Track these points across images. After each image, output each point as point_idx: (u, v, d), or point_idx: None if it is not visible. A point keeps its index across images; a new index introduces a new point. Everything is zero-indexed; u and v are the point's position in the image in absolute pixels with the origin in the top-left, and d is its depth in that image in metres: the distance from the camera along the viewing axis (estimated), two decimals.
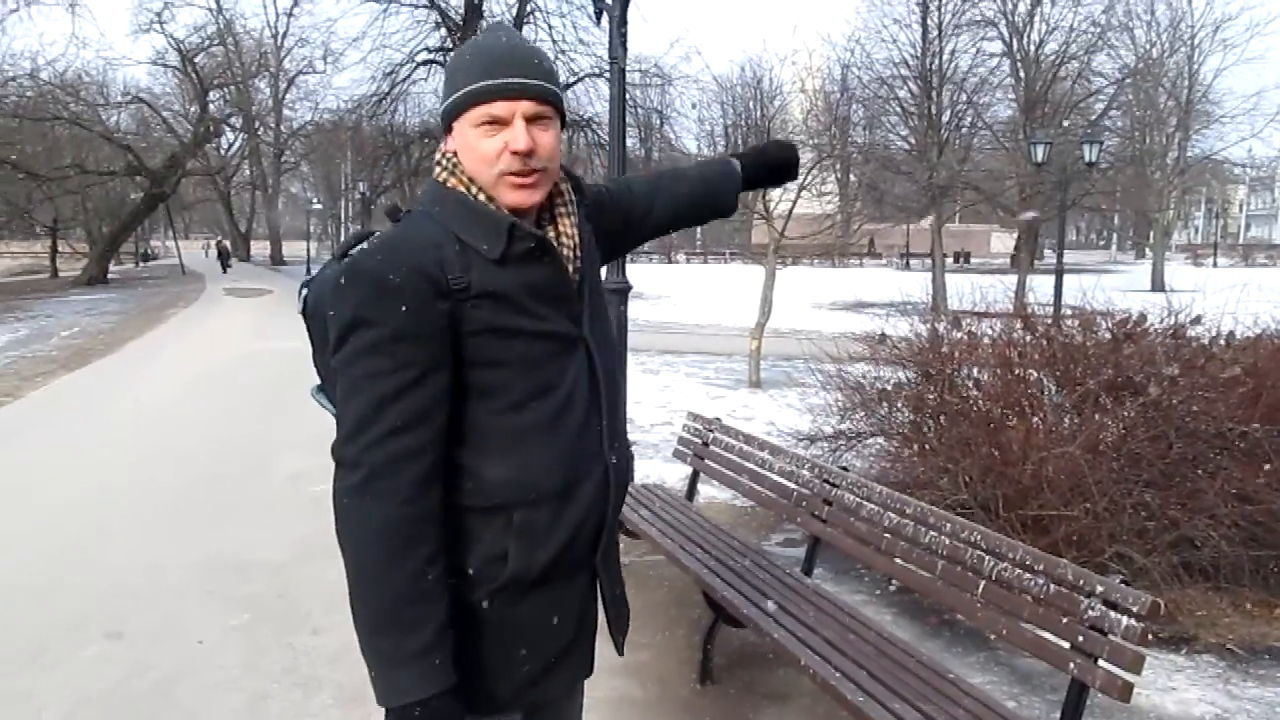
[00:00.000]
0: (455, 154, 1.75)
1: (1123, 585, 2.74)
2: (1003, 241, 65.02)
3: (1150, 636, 2.64)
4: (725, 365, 14.72)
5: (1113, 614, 2.70)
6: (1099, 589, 2.77)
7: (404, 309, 1.60)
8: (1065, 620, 2.85)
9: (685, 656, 4.30)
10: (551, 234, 1.79)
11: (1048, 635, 2.96)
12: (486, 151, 1.69)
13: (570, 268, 1.79)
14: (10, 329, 21.37)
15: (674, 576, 5.01)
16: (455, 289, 1.63)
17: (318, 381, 1.95)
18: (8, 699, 3.89)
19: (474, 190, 1.72)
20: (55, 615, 4.74)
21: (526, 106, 1.67)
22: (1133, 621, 2.64)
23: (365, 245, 1.71)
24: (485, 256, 1.68)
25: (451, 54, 1.74)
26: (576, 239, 1.82)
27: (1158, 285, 33.80)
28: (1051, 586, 2.94)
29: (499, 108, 1.67)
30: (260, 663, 4.22)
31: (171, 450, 8.59)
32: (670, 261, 58.91)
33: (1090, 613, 2.76)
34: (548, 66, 1.74)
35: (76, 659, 4.24)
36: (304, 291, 1.91)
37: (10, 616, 4.74)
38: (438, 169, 1.78)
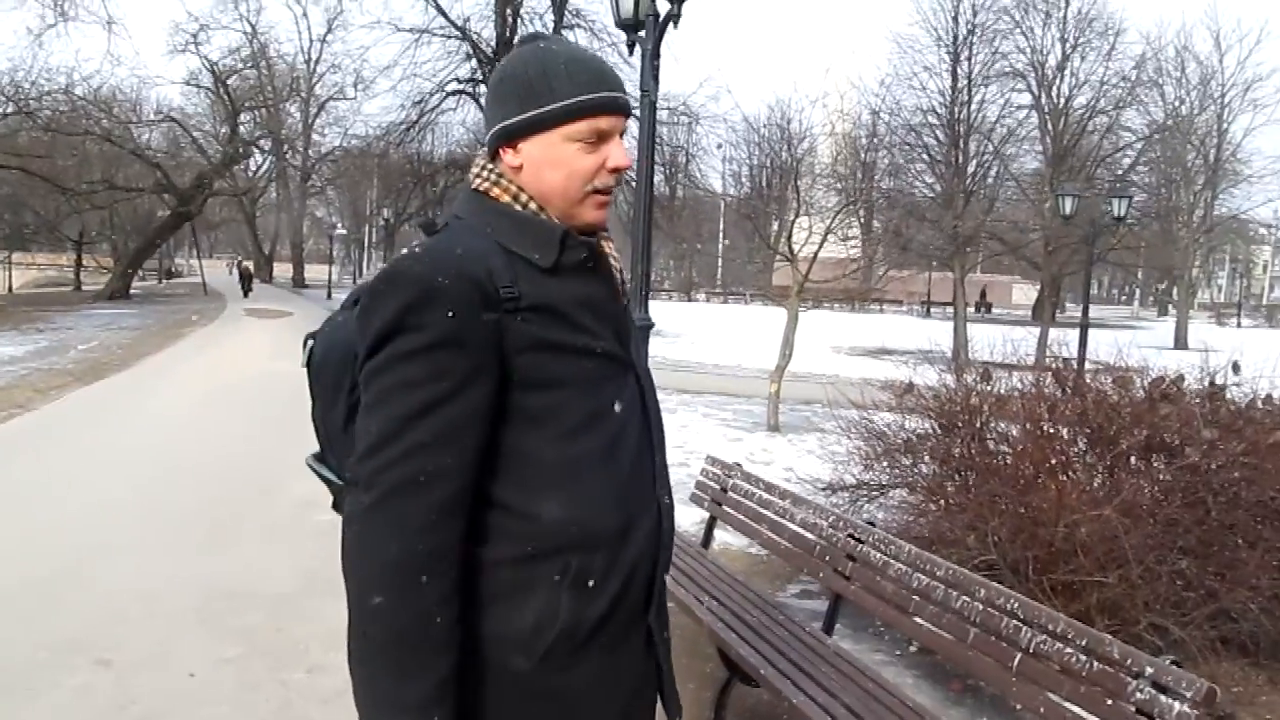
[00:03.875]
0: (515, 169, 1.60)
1: (1174, 667, 2.54)
2: (1024, 293, 64.82)
3: None
4: (743, 407, 14.54)
5: (1163, 698, 2.50)
6: (1148, 669, 2.57)
7: (450, 314, 1.45)
8: (1110, 702, 2.66)
9: (696, 714, 4.10)
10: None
11: (1091, 717, 2.76)
12: (584, 167, 1.57)
13: (620, 288, 1.68)
14: (31, 340, 21.40)
15: (684, 625, 4.80)
16: (504, 298, 1.48)
17: (316, 449, 1.78)
18: None
19: (523, 201, 1.59)
20: (46, 638, 4.57)
21: (623, 123, 1.60)
22: (1186, 708, 2.44)
23: (405, 252, 1.55)
24: (536, 265, 1.54)
25: (512, 64, 1.62)
26: (619, 262, 1.70)
27: (1181, 343, 33.57)
28: (1095, 664, 2.74)
29: (606, 122, 1.58)
30: (250, 700, 4.04)
31: (179, 469, 8.46)
32: (690, 300, 58.93)
33: (1138, 695, 2.56)
34: None
35: (62, 688, 4.07)
36: (310, 343, 1.74)
37: (1, 637, 4.58)
38: (478, 180, 1.64)
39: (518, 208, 1.59)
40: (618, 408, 1.59)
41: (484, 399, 1.48)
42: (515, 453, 1.52)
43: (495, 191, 1.61)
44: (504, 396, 1.50)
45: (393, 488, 1.43)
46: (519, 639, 1.51)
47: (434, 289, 1.46)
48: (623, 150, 1.59)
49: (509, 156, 1.60)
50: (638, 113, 7.43)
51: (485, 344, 1.47)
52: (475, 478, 1.48)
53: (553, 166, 1.57)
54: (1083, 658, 2.79)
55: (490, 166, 1.63)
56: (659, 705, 1.77)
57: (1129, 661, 2.65)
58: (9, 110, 33.25)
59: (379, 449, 1.44)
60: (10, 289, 48.54)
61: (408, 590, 1.42)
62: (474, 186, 1.64)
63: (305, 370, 1.74)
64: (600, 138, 1.57)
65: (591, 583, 1.53)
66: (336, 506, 1.63)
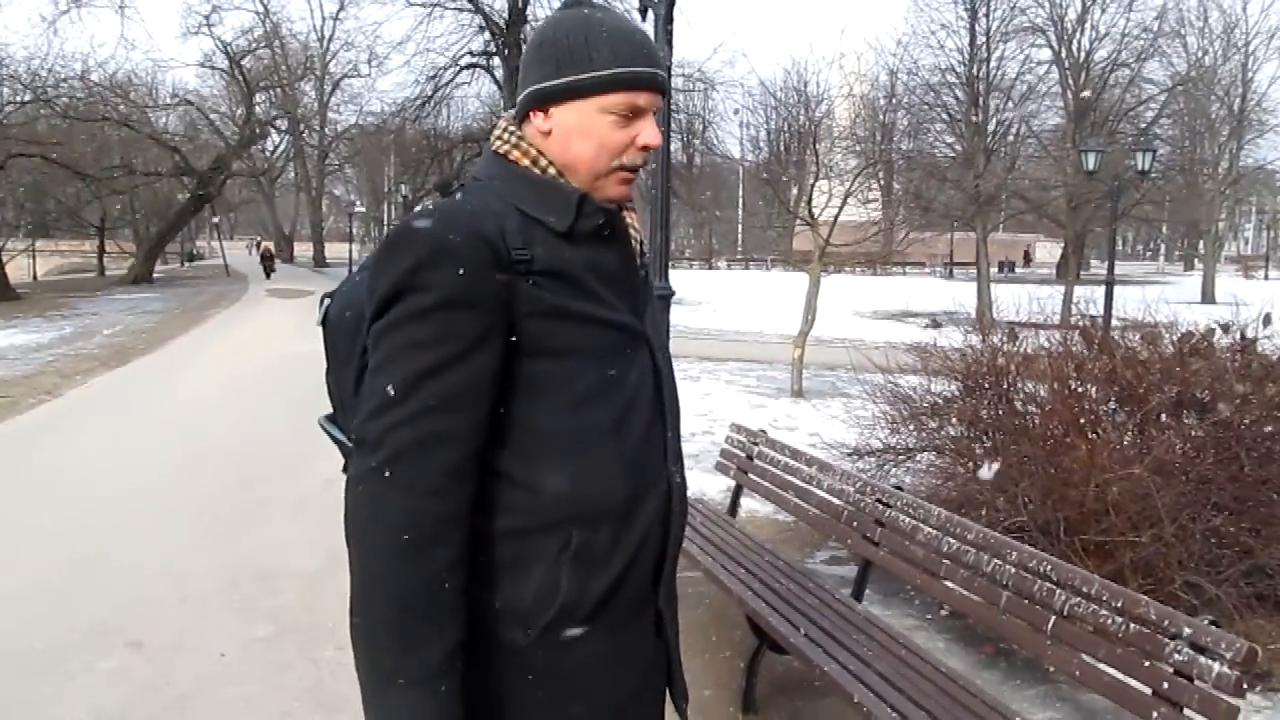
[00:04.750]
0: (544, 134, 1.55)
1: (1213, 627, 2.49)
2: (1048, 251, 64.24)
3: (1245, 686, 2.38)
4: (767, 373, 14.47)
5: (1202, 659, 2.45)
6: (1186, 630, 2.52)
7: (460, 272, 1.40)
8: (1148, 664, 2.61)
9: (726, 682, 4.09)
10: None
11: (1127, 679, 2.71)
12: (615, 141, 1.53)
13: (637, 259, 1.63)
14: (56, 326, 21.60)
15: (713, 595, 4.78)
16: (517, 260, 1.44)
17: (330, 409, 1.73)
18: (26, 708, 3.76)
19: (543, 165, 1.55)
20: (78, 621, 4.61)
21: (659, 101, 1.56)
22: (1225, 669, 2.39)
23: (417, 210, 1.51)
24: (552, 229, 1.50)
25: (553, 27, 1.56)
26: (639, 234, 1.65)
27: (1208, 297, 33.17)
28: (1131, 625, 2.69)
29: (644, 99, 1.53)
30: (282, 679, 4.05)
31: (205, 451, 8.50)
32: (711, 267, 58.63)
33: (1177, 656, 2.51)
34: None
35: (95, 670, 4.10)
36: (326, 302, 1.70)
37: (34, 621, 4.63)
38: (498, 142, 1.59)
39: (536, 171, 1.55)
40: (629, 379, 1.55)
41: (493, 362, 1.44)
42: (520, 422, 1.48)
43: (515, 154, 1.57)
44: (511, 362, 1.46)
45: (400, 450, 1.39)
46: (520, 613, 1.48)
47: (445, 246, 1.41)
48: (655, 129, 1.55)
49: (539, 120, 1.56)
50: None
51: (496, 305, 1.43)
52: (484, 443, 1.45)
53: (584, 136, 1.53)
54: (1118, 619, 2.74)
55: (512, 129, 1.59)
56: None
57: (1166, 623, 2.60)
58: (27, 98, 33.38)
59: (386, 410, 1.40)
60: (35, 276, 48.93)
61: (415, 556, 1.38)
62: (494, 149, 1.60)
63: (320, 329, 1.70)
64: (635, 113, 1.53)
65: (594, 558, 1.49)
66: (346, 469, 1.58)
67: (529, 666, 1.49)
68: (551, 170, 1.55)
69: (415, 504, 1.38)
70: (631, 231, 1.62)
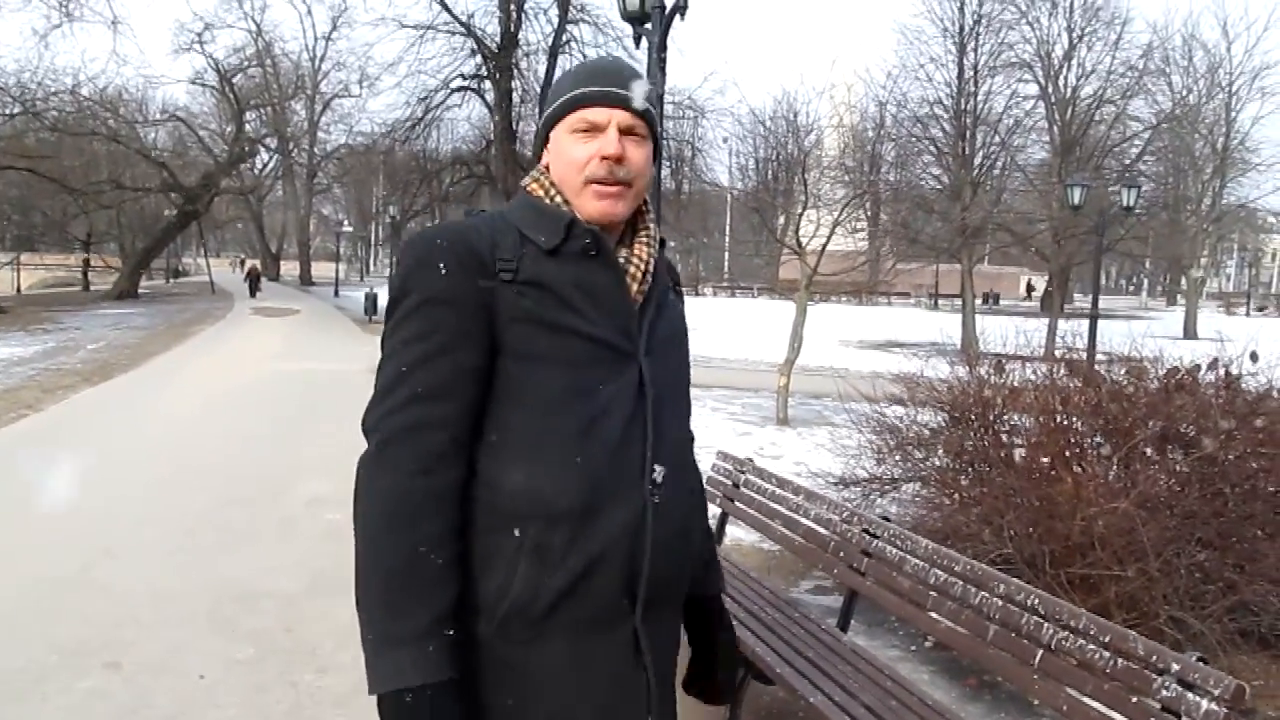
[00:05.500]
0: (547, 167, 1.74)
1: (1201, 664, 2.49)
2: (1032, 283, 64.61)
3: None
4: (752, 401, 14.48)
5: (1190, 695, 2.45)
6: (1174, 666, 2.52)
7: (443, 273, 1.58)
8: (1135, 700, 2.61)
9: (710, 711, 4.05)
10: (624, 252, 1.72)
11: (1114, 715, 2.70)
12: (577, 157, 1.67)
13: (633, 285, 1.70)
14: (39, 341, 21.43)
15: None
16: (501, 270, 1.60)
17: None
18: None
19: (552, 195, 1.71)
20: (56, 641, 4.55)
21: (622, 117, 1.67)
22: (1213, 705, 2.39)
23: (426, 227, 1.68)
24: (541, 248, 1.64)
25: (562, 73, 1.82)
26: (648, 266, 1.74)
27: (1190, 333, 33.39)
28: (1119, 660, 2.69)
29: (596, 113, 1.67)
30: (262, 702, 4.01)
31: (187, 469, 8.44)
32: (697, 294, 58.77)
33: (1164, 692, 2.51)
34: (649, 88, 1.74)
35: (73, 691, 4.05)
36: None
37: (11, 640, 4.56)
38: (526, 178, 1.78)
39: (545, 201, 1.70)
40: (603, 392, 1.62)
41: (474, 358, 1.58)
42: (494, 421, 1.60)
43: (532, 186, 1.74)
44: (494, 364, 1.59)
45: (390, 434, 1.55)
46: (483, 604, 1.58)
47: (432, 250, 1.60)
48: (612, 140, 1.66)
49: (545, 155, 1.75)
50: None
51: (476, 306, 1.57)
52: (469, 430, 1.58)
53: (558, 157, 1.70)
54: (1106, 654, 2.74)
55: (539, 167, 1.76)
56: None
57: (1154, 658, 2.60)
58: (16, 111, 33.31)
59: (381, 399, 1.58)
60: (18, 289, 48.63)
61: (400, 530, 1.52)
62: (523, 182, 1.77)
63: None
64: (593, 128, 1.67)
65: (548, 559, 1.56)
66: None
67: (492, 659, 1.59)
68: (559, 199, 1.70)
69: (401, 483, 1.53)
70: (634, 260, 1.72)
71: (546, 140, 1.75)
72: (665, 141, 30.52)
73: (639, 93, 1.69)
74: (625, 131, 1.67)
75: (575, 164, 1.67)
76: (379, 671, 1.51)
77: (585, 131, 1.67)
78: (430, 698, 1.49)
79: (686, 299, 1.98)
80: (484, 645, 1.58)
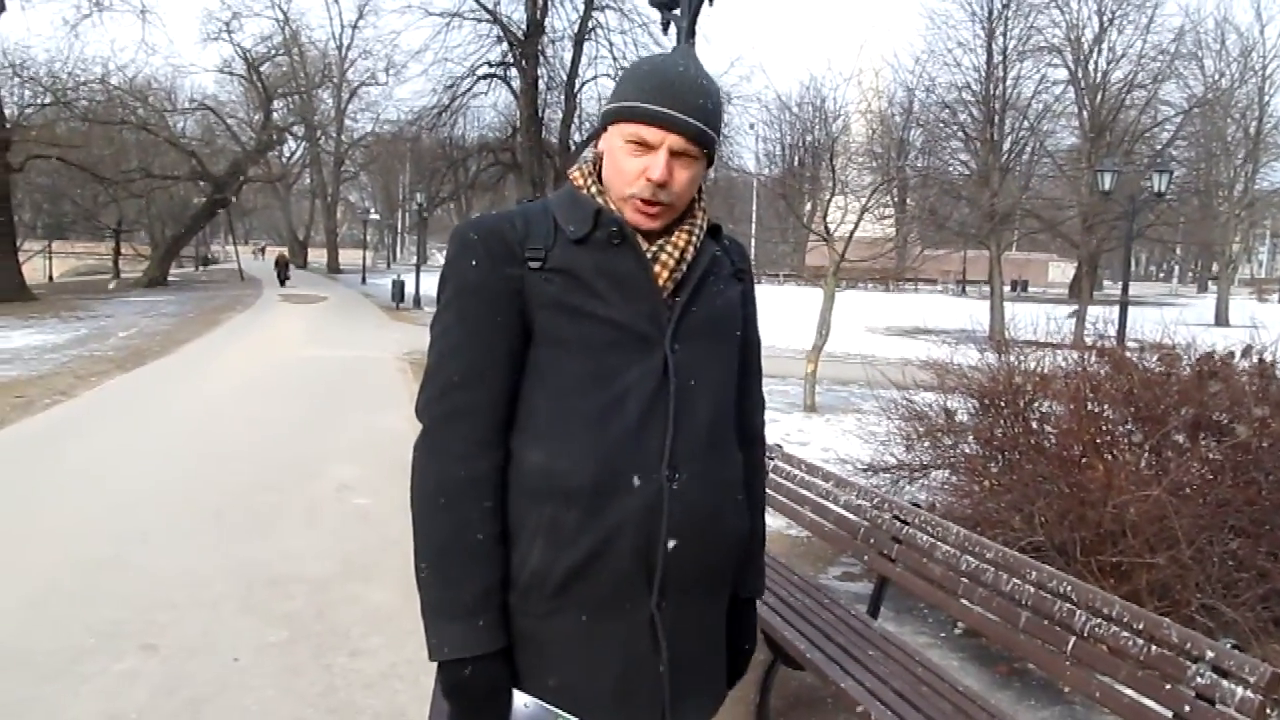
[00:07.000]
0: (600, 155, 1.76)
1: (1236, 651, 2.47)
2: (1061, 270, 64.11)
3: (1269, 711, 2.37)
4: (779, 388, 14.43)
5: (1225, 683, 2.43)
6: (1209, 654, 2.51)
7: (474, 263, 1.65)
8: (1169, 687, 2.59)
9: (739, 696, 4.06)
10: (659, 240, 1.72)
11: (1148, 702, 2.69)
12: (627, 169, 1.68)
13: (664, 273, 1.71)
14: (71, 328, 21.68)
15: None
16: (530, 258, 1.65)
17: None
18: (39, 709, 3.76)
19: (589, 185, 1.74)
20: (92, 622, 4.62)
21: (675, 140, 1.65)
22: (1249, 693, 2.37)
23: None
24: (570, 237, 1.68)
25: (634, 61, 1.82)
26: (684, 254, 1.73)
27: (1222, 320, 33.02)
28: (1153, 648, 2.68)
29: (649, 132, 1.66)
30: (295, 684, 4.05)
31: (219, 455, 8.52)
32: None
33: (1199, 679, 2.50)
34: (711, 107, 1.70)
35: (109, 672, 4.11)
36: None
37: (48, 622, 4.63)
38: (574, 166, 1.83)
39: (583, 191, 1.74)
40: (624, 376, 1.65)
41: (505, 344, 1.65)
42: (524, 403, 1.68)
43: (574, 175, 1.78)
44: (527, 351, 1.67)
45: (433, 420, 1.66)
46: (512, 575, 1.65)
47: (465, 242, 1.68)
48: (659, 164, 1.64)
49: (602, 141, 1.76)
50: None
51: (506, 295, 1.65)
52: (505, 414, 1.66)
53: (610, 158, 1.72)
54: (1139, 641, 2.73)
55: (595, 152, 1.78)
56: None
57: (1188, 645, 2.58)
58: (47, 100, 33.68)
59: (425, 387, 1.69)
60: (51, 278, 49.18)
61: (445, 511, 1.62)
62: (569, 170, 1.82)
63: None
64: (645, 145, 1.65)
65: (562, 536, 1.62)
66: None
67: (516, 627, 1.66)
68: (593, 189, 1.74)
69: (443, 469, 1.63)
70: (667, 249, 1.72)
71: (604, 125, 1.75)
72: None
73: (697, 116, 1.66)
74: (676, 153, 1.66)
75: (622, 175, 1.68)
76: (438, 640, 1.61)
77: (636, 144, 1.66)
78: (484, 668, 1.60)
79: None
80: (511, 614, 1.66)
